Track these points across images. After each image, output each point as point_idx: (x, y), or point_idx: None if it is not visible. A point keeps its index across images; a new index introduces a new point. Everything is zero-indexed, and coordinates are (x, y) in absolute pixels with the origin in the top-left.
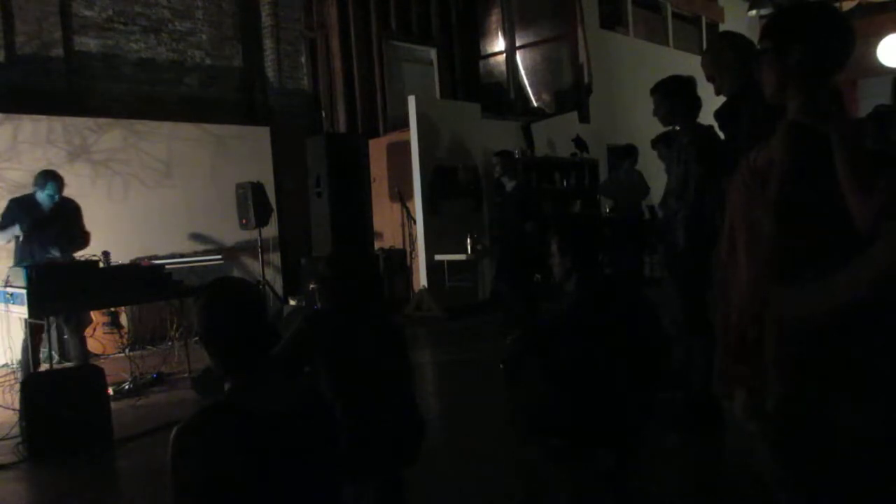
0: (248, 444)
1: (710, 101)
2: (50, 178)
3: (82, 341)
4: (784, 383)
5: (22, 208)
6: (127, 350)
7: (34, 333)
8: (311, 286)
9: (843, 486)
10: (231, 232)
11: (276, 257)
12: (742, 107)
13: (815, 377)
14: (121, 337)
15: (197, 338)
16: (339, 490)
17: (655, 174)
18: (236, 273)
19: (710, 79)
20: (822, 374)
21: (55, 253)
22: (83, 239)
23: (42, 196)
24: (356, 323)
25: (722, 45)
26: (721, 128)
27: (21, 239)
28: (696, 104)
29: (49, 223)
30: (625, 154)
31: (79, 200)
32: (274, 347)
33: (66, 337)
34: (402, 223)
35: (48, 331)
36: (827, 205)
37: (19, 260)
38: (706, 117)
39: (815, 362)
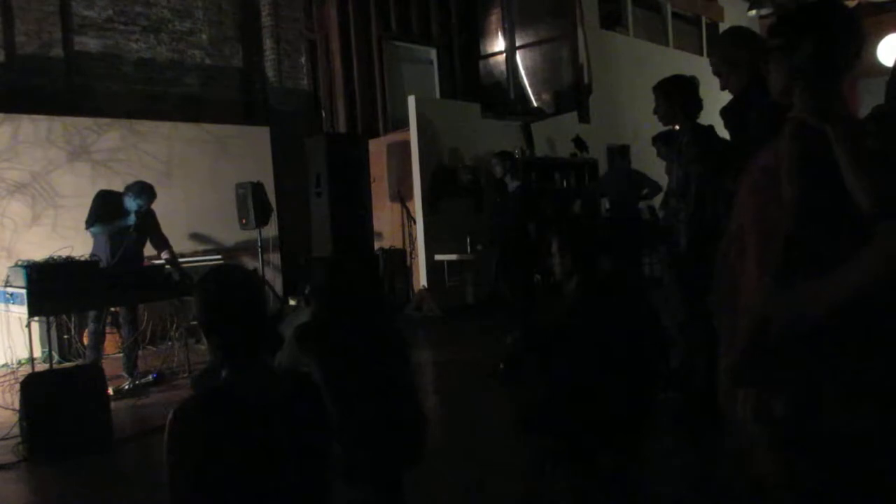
0: (242, 430)
1: (714, 99)
2: (146, 190)
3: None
4: (793, 386)
5: (109, 206)
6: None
7: (99, 321)
8: (307, 291)
9: (847, 489)
10: (231, 232)
11: (276, 257)
12: (749, 105)
13: (817, 379)
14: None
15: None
16: (330, 483)
17: (656, 174)
18: None
19: (717, 73)
20: (821, 376)
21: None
22: (165, 245)
23: (132, 204)
24: (354, 330)
25: (732, 41)
26: (727, 125)
27: (99, 236)
28: (696, 104)
29: (134, 231)
30: (619, 155)
31: (79, 200)
32: (274, 343)
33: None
34: (402, 223)
35: (48, 331)
36: (830, 203)
37: (98, 254)
38: (709, 115)
39: (814, 364)
